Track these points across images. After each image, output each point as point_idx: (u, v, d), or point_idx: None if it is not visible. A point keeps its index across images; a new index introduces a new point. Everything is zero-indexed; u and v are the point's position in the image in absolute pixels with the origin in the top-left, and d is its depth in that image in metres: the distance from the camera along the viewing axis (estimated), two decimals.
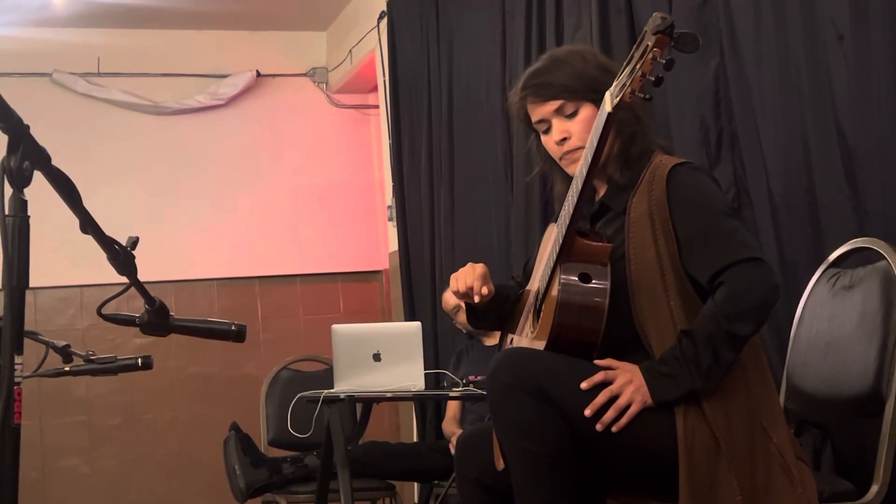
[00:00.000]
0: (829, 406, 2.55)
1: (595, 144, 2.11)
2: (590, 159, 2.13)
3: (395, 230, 6.11)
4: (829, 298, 2.61)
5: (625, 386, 2.09)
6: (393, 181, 6.07)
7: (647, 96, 2.01)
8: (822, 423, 2.73)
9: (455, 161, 5.24)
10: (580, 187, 2.16)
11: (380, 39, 6.17)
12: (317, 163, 7.19)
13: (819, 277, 2.69)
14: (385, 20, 5.98)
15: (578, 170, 2.20)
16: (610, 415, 2.07)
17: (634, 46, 1.97)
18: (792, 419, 2.66)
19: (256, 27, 7.06)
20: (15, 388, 1.41)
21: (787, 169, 3.02)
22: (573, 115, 2.29)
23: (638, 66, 1.96)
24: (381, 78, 6.23)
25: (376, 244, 7.12)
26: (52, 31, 6.68)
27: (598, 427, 2.06)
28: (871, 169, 2.72)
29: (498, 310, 2.51)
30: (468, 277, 2.39)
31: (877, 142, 2.70)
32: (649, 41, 1.93)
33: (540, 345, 2.20)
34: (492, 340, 4.53)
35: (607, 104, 2.05)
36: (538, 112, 2.33)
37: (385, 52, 6.03)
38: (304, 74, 7.24)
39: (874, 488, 2.32)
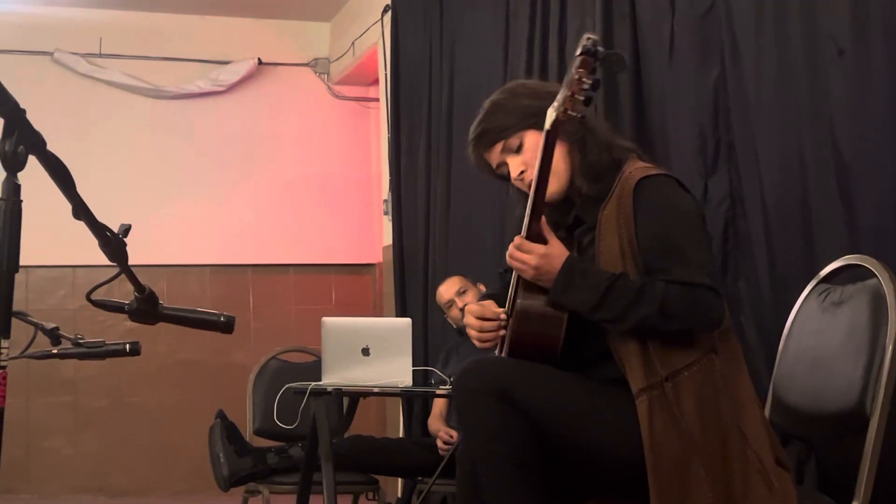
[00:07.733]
0: (814, 421, 2.55)
1: (539, 161, 2.14)
2: (536, 176, 2.15)
3: (390, 224, 6.11)
4: (819, 314, 2.61)
5: (529, 269, 2.16)
6: (390, 175, 6.07)
7: (580, 115, 2.03)
8: (807, 438, 2.74)
9: (453, 158, 5.23)
10: (530, 204, 2.19)
11: (383, 33, 6.16)
12: (315, 153, 7.19)
13: (810, 292, 2.69)
14: (389, 14, 5.98)
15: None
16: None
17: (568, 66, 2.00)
18: (777, 432, 2.66)
19: (260, 15, 7.05)
20: (0, 371, 1.41)
21: (783, 181, 3.02)
22: (520, 147, 2.33)
23: (568, 87, 1.98)
24: (383, 71, 6.23)
25: (371, 238, 7.12)
26: (55, 10, 6.67)
27: None
28: (865, 185, 2.72)
29: None
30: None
31: (872, 158, 2.70)
32: (575, 62, 1.96)
33: (505, 351, 2.24)
34: None
35: (547, 122, 2.09)
36: (492, 159, 2.39)
37: (388, 46, 6.02)
38: (306, 64, 7.23)
39: None
